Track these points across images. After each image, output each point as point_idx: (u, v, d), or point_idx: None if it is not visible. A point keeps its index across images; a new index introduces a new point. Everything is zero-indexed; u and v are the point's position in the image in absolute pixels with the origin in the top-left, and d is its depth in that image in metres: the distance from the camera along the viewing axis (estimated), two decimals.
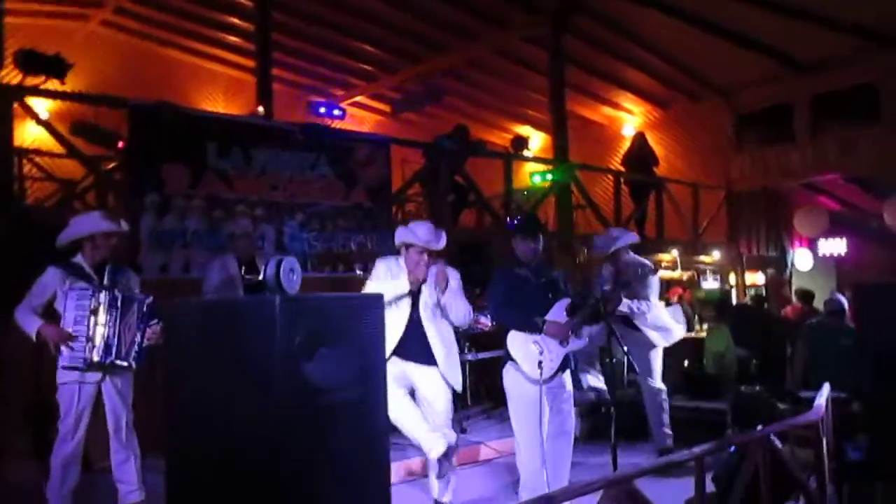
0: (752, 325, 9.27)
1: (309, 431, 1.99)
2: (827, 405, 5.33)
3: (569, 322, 4.66)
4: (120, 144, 7.34)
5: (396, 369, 4.57)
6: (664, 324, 6.33)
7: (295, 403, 1.92)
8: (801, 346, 7.14)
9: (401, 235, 4.79)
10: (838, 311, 6.90)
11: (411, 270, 4.67)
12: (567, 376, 4.80)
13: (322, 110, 7.98)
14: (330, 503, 2.02)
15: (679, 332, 6.50)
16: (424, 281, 4.71)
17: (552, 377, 4.63)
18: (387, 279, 4.66)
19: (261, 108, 7.88)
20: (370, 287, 4.59)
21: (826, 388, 5.65)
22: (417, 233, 4.72)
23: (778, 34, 10.64)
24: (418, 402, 4.72)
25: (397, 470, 5.36)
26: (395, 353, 4.57)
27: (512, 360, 4.71)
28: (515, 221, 5.06)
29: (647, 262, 6.50)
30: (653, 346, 6.28)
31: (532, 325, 4.61)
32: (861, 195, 13.05)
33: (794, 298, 12.07)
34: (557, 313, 4.71)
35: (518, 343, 4.70)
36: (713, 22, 10.44)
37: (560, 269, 5.19)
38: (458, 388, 4.89)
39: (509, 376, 4.75)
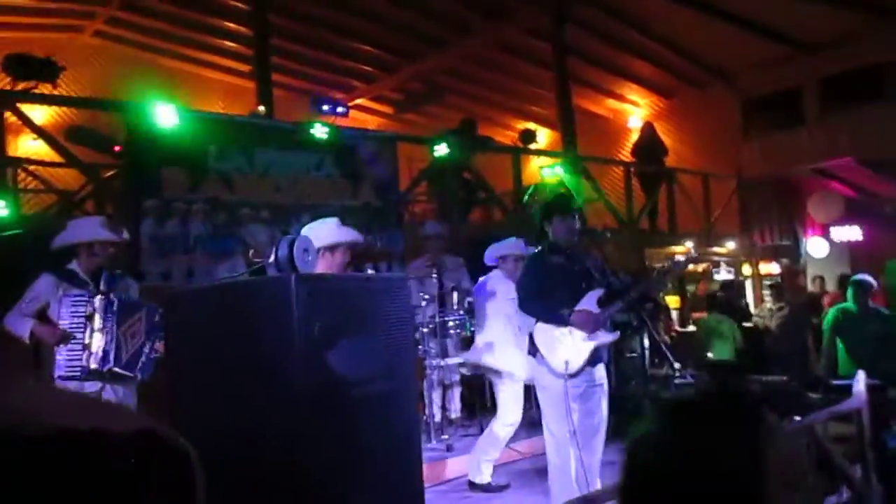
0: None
1: (333, 427, 1.75)
2: (864, 393, 5.08)
3: (600, 313, 4.40)
4: (116, 149, 7.12)
5: None
6: None
7: (316, 397, 1.68)
8: (829, 333, 6.87)
9: (330, 235, 4.23)
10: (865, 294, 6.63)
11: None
12: (599, 370, 4.54)
13: (325, 108, 7.74)
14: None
15: None
16: None
17: (580, 371, 4.38)
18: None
19: (261, 108, 7.65)
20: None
21: (861, 374, 5.40)
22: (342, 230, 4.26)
23: (782, 15, 10.41)
24: None
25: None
26: None
27: (539, 353, 4.47)
28: (548, 204, 4.75)
29: None
30: None
31: (559, 318, 4.36)
32: (874, 180, 12.76)
33: (809, 285, 11.83)
34: (587, 305, 4.46)
35: (544, 336, 4.46)
36: (715, 5, 10.22)
37: (597, 256, 4.92)
38: None
39: (537, 370, 4.52)
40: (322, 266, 4.09)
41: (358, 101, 13.68)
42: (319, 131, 7.01)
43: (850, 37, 10.83)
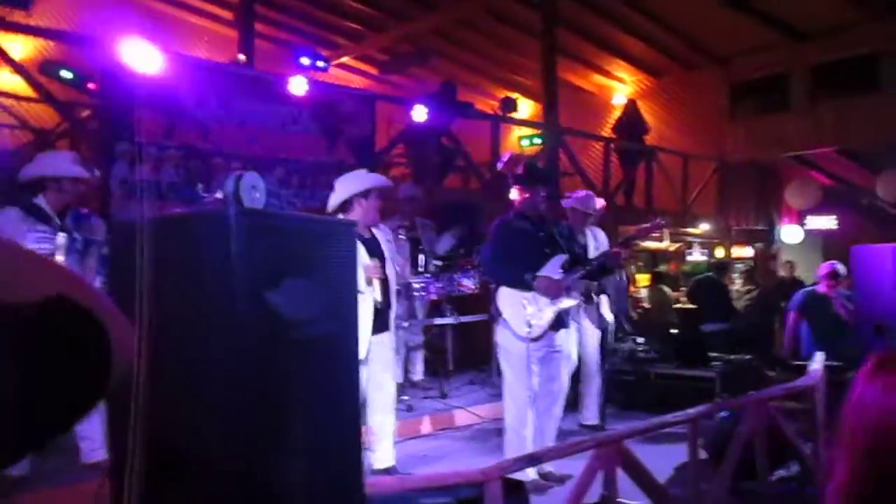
0: (717, 298, 9.15)
1: (273, 368, 1.74)
2: (821, 372, 5.18)
3: (563, 278, 4.44)
4: (91, 87, 6.96)
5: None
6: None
7: (255, 336, 1.67)
8: (797, 316, 6.98)
9: (364, 181, 4.41)
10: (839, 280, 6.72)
11: (371, 218, 4.39)
12: (561, 335, 4.60)
13: (305, 61, 7.62)
14: (298, 445, 1.78)
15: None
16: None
17: (542, 336, 4.43)
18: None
19: (242, 56, 7.52)
20: None
21: (820, 355, 5.51)
22: (365, 176, 4.43)
23: (777, 1, 10.37)
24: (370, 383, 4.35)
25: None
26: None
27: (502, 316, 4.52)
28: (518, 171, 4.75)
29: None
30: None
31: (522, 282, 4.39)
32: (853, 169, 12.88)
33: (780, 271, 11.99)
34: (551, 269, 4.49)
35: (508, 300, 4.50)
36: None
37: (564, 223, 4.94)
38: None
39: (500, 333, 4.58)
40: (358, 213, 4.25)
41: (343, 59, 13.49)
42: (298, 85, 6.91)
43: (842, 26, 10.83)
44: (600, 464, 3.09)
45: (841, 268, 6.65)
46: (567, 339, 4.66)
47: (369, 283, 4.24)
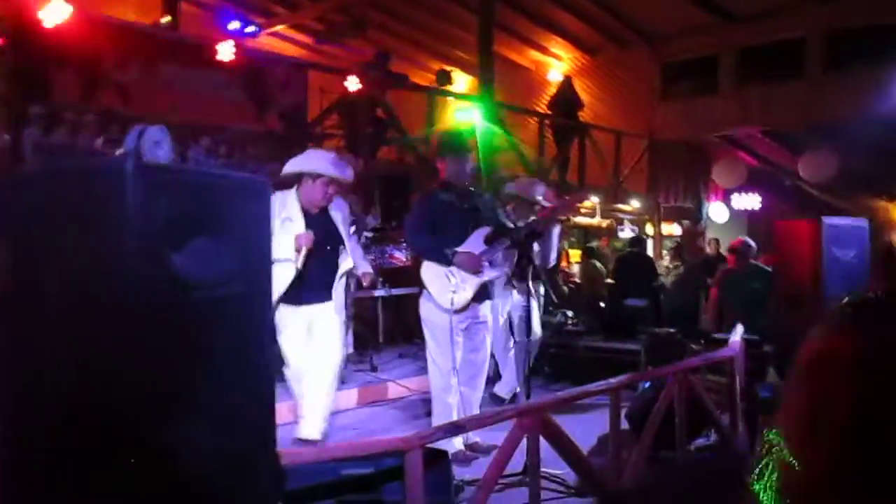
0: (640, 274, 9.36)
1: (176, 332, 1.66)
2: (740, 344, 5.34)
3: (484, 252, 4.43)
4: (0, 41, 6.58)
5: (300, 319, 4.31)
6: None
7: (153, 298, 1.59)
8: (718, 291, 7.17)
9: (308, 164, 4.39)
10: (749, 255, 6.90)
11: (315, 201, 4.35)
12: (485, 307, 4.60)
13: (235, 25, 7.36)
14: (201, 412, 1.71)
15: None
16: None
17: (466, 307, 4.42)
18: (278, 223, 4.19)
19: (167, 18, 7.22)
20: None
21: (739, 327, 5.67)
22: (325, 162, 4.39)
23: None
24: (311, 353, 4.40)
25: None
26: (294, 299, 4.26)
27: (426, 288, 4.49)
28: (442, 141, 4.70)
29: None
30: None
31: (443, 256, 4.36)
32: (778, 151, 13.30)
33: (706, 248, 12.32)
34: (475, 242, 4.48)
35: (432, 272, 4.47)
36: None
37: (488, 194, 4.91)
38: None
39: (424, 306, 4.55)
40: (303, 191, 4.15)
41: (278, 28, 13.14)
42: (226, 50, 6.69)
43: (771, 10, 11.09)
44: (522, 433, 3.11)
45: (746, 243, 6.84)
46: (489, 310, 4.67)
47: (298, 251, 4.17)
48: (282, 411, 4.97)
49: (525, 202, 5.62)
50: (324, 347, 4.42)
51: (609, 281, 10.82)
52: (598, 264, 10.91)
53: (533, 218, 4.85)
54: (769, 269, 6.55)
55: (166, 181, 1.63)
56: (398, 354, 7.31)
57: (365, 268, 4.67)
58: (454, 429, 2.87)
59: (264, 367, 1.97)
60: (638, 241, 10.70)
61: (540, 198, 5.57)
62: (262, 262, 1.94)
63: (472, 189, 4.67)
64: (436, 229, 4.47)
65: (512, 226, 4.58)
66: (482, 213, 4.57)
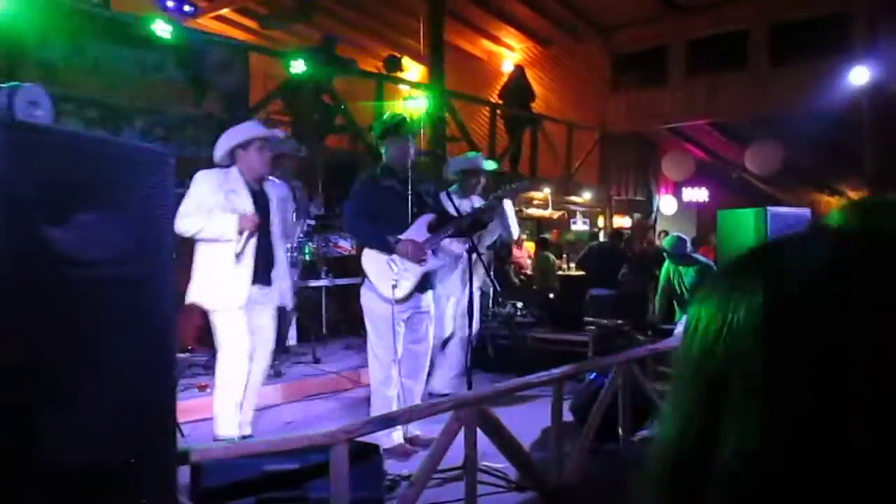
0: (610, 265, 9.42)
1: (52, 314, 1.47)
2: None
3: (427, 240, 4.28)
4: None
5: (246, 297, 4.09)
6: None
7: (19, 277, 1.39)
8: (662, 283, 7.15)
9: (237, 135, 4.18)
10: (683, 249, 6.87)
11: (255, 169, 4.14)
12: (427, 297, 4.45)
13: (170, 3, 7.05)
14: (81, 405, 1.52)
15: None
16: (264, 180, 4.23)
17: (408, 297, 4.26)
18: (222, 196, 4.02)
19: None
20: (194, 206, 3.98)
21: (685, 319, 5.65)
22: (252, 127, 4.21)
23: None
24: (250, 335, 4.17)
25: None
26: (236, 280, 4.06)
27: (367, 277, 4.32)
28: (383, 125, 4.52)
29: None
30: None
31: (384, 244, 4.20)
32: (725, 144, 13.44)
33: (656, 240, 12.38)
34: (417, 230, 4.32)
35: (372, 260, 4.31)
36: None
37: (431, 181, 4.75)
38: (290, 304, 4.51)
39: (365, 295, 4.37)
40: (242, 165, 4.04)
41: (222, 11, 12.76)
42: (162, 29, 6.39)
43: (718, 2, 11.14)
44: (459, 425, 2.97)
45: (676, 243, 6.83)
46: (431, 300, 4.51)
47: (240, 232, 3.97)
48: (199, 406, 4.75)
49: (470, 175, 5.49)
50: (261, 337, 4.21)
51: (563, 273, 10.80)
52: (552, 256, 10.87)
53: (477, 206, 4.70)
54: (709, 262, 6.58)
55: (40, 143, 1.44)
56: (345, 346, 7.12)
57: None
58: (383, 422, 2.71)
59: (163, 357, 1.79)
60: (618, 235, 10.77)
61: (485, 168, 5.48)
62: (160, 241, 1.75)
63: (414, 175, 4.50)
64: (377, 216, 4.29)
65: (456, 213, 4.42)
66: (425, 200, 4.42)
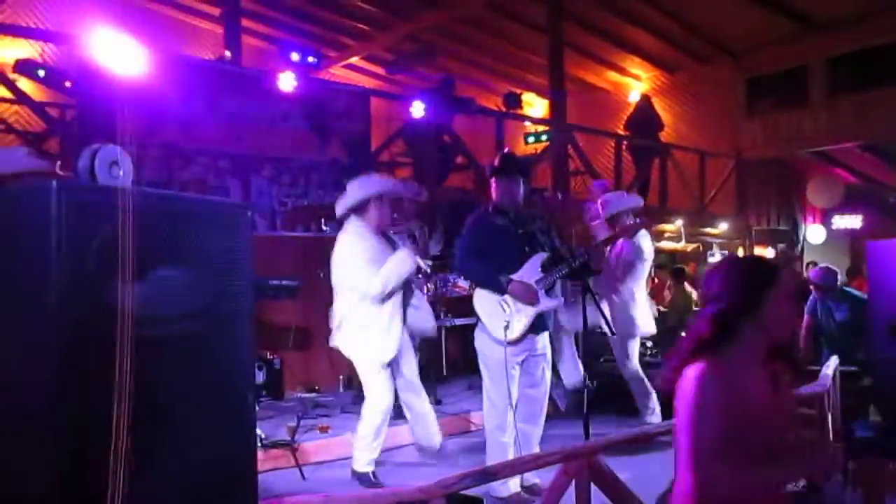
0: None
1: (107, 372, 1.46)
2: (834, 378, 4.80)
3: (540, 280, 4.12)
4: (67, 85, 6.80)
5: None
6: (633, 315, 5.74)
7: (81, 335, 1.39)
8: (809, 319, 6.58)
9: (373, 187, 4.35)
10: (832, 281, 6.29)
11: (384, 221, 4.34)
12: (542, 338, 4.28)
13: (295, 57, 7.37)
14: (156, 463, 1.50)
15: (646, 327, 5.89)
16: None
17: (521, 339, 4.11)
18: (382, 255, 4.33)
19: (227, 53, 7.30)
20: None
21: (834, 360, 5.11)
22: (388, 182, 4.46)
23: None
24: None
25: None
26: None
27: (479, 319, 4.22)
28: (493, 163, 4.47)
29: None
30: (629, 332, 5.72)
31: (496, 284, 4.09)
32: (878, 166, 12.37)
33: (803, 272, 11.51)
34: (530, 269, 4.18)
35: (484, 301, 4.21)
36: None
37: (545, 219, 4.60)
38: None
39: (479, 337, 4.29)
40: (373, 215, 4.40)
41: (351, 60, 13.31)
42: (286, 81, 6.67)
43: (860, 16, 10.36)
44: (568, 479, 2.78)
45: (824, 274, 6.25)
46: (548, 342, 4.34)
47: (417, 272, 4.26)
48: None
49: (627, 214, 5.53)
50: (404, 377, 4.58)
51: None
52: (689, 290, 10.31)
53: (589, 248, 4.48)
54: (863, 296, 5.96)
55: (105, 204, 1.45)
56: (468, 386, 7.02)
57: None
58: (482, 475, 2.57)
59: (242, 407, 1.76)
60: (679, 272, 10.18)
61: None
62: (236, 298, 1.73)
63: (527, 212, 4.38)
64: (487, 254, 4.20)
65: (569, 254, 4.25)
66: (538, 238, 4.27)
